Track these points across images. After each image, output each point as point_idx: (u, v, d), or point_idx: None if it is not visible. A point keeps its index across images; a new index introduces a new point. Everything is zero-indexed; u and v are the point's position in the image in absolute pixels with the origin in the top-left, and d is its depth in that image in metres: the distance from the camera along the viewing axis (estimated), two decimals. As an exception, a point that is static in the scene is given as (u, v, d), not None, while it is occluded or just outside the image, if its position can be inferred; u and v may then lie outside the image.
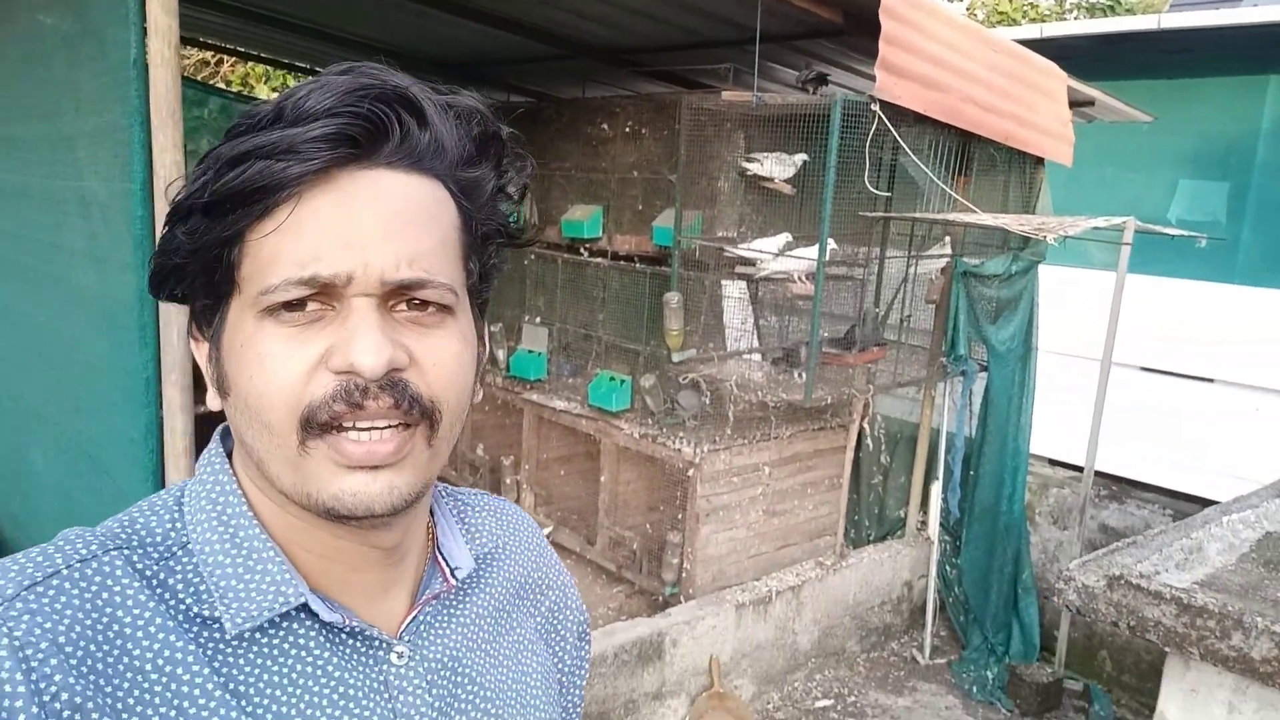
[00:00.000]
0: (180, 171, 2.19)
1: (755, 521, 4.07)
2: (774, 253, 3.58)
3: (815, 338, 3.45)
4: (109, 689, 0.56)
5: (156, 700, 0.57)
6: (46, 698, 0.52)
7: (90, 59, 2.38)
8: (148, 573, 0.61)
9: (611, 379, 4.27)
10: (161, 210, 2.21)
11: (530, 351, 4.78)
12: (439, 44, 4.82)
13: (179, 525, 0.64)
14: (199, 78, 9.95)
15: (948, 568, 4.63)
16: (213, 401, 0.65)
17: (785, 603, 3.99)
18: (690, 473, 3.83)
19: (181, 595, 0.61)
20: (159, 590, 0.60)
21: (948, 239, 4.06)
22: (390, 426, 0.59)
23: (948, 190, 3.60)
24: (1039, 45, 4.94)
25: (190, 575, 0.62)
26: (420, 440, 0.61)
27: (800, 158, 3.62)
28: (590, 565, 4.47)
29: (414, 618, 0.69)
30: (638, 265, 4.36)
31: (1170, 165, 5.66)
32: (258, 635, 0.62)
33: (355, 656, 0.65)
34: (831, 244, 3.45)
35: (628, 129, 4.50)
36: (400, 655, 0.67)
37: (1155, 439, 5.14)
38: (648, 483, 4.41)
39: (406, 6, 3.84)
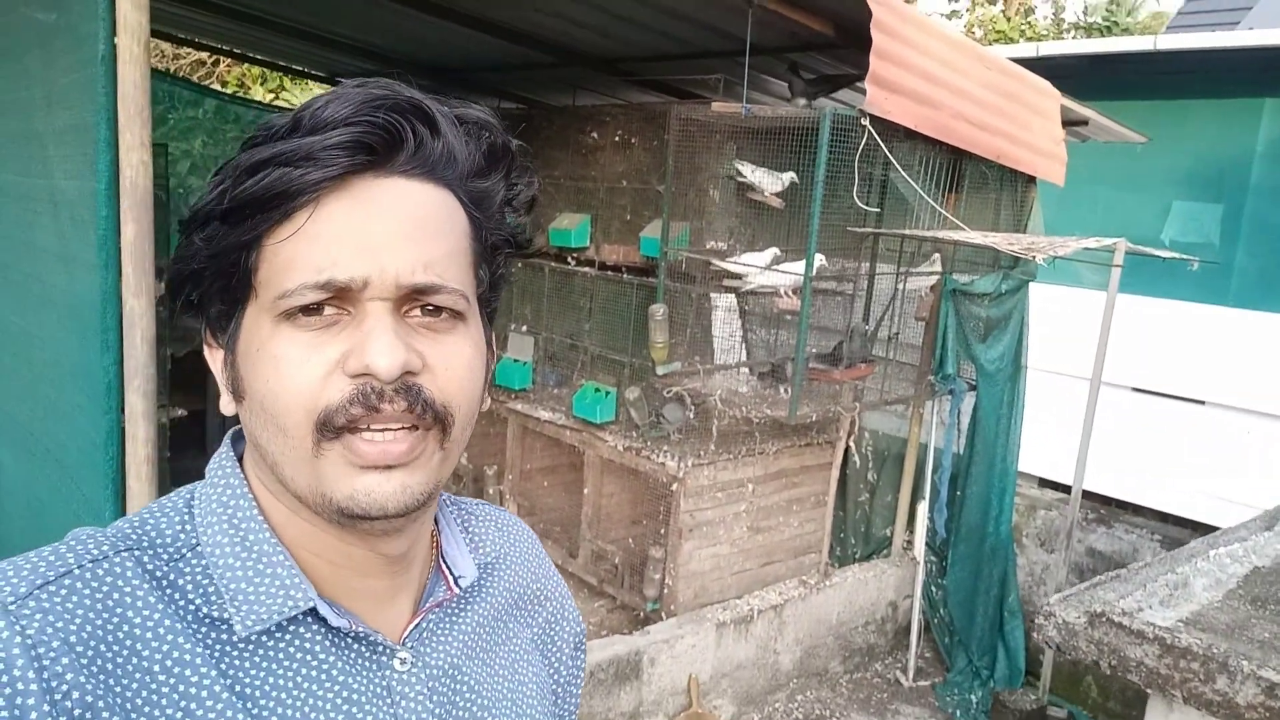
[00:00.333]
0: (148, 172, 2.15)
1: (739, 538, 4.01)
2: (761, 266, 3.53)
3: (801, 354, 3.40)
4: (119, 689, 0.56)
5: (164, 701, 0.58)
6: (58, 696, 0.53)
7: (64, 54, 2.34)
8: (158, 574, 0.61)
9: (596, 390, 4.21)
10: (127, 210, 2.17)
11: (516, 360, 4.73)
12: (427, 47, 4.77)
13: (189, 527, 0.65)
14: (195, 78, 9.93)
15: (933, 588, 4.57)
16: (227, 406, 0.66)
17: (767, 621, 3.93)
18: (674, 487, 3.78)
19: (191, 596, 0.62)
20: (169, 591, 0.61)
21: (937, 256, 4.01)
22: (403, 428, 0.61)
23: (937, 207, 3.56)
24: (1035, 64, 4.91)
25: (199, 577, 0.63)
26: (432, 443, 0.62)
27: (789, 176, 3.58)
28: (572, 579, 4.40)
29: (417, 624, 0.70)
30: (625, 276, 4.31)
31: (1164, 186, 5.64)
32: (264, 638, 0.63)
33: (359, 662, 0.66)
34: (822, 259, 3.40)
35: (617, 138, 4.45)
36: (403, 661, 0.68)
37: (1145, 460, 5.10)
38: (631, 496, 4.35)
39: (394, 9, 3.79)
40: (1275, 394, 4.76)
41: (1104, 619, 1.69)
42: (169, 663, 0.59)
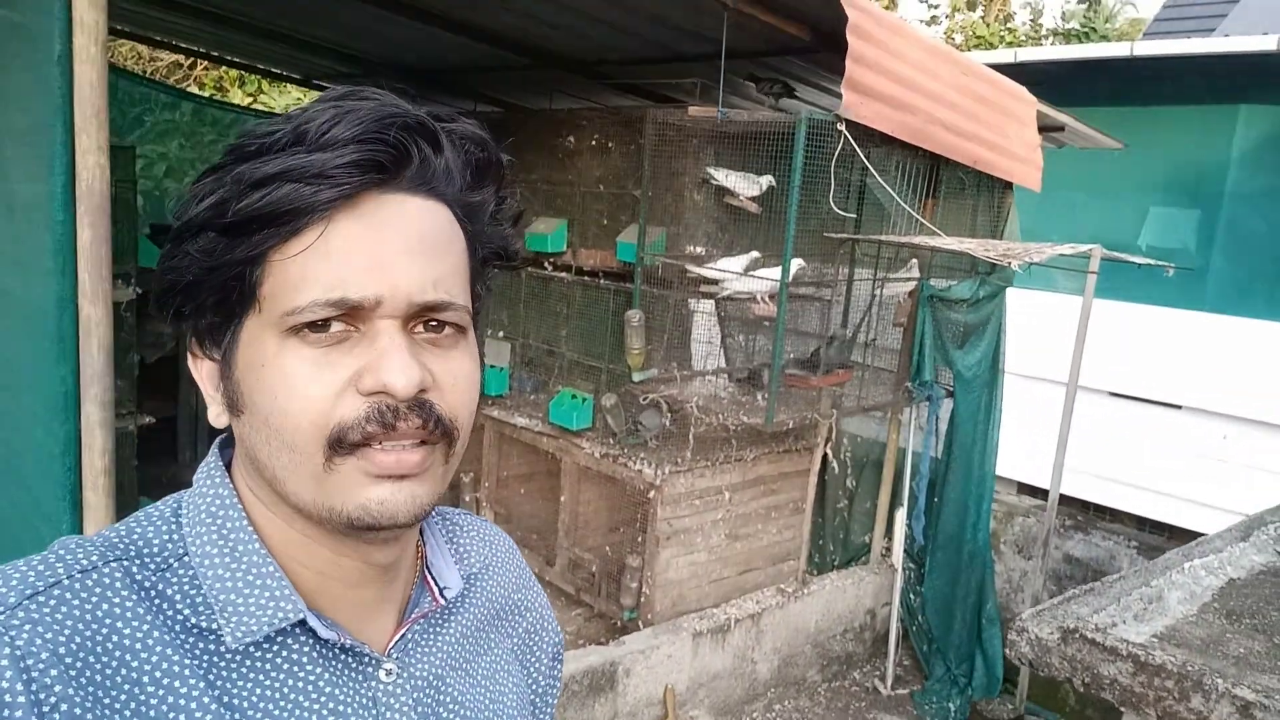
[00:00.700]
0: (105, 175, 2.09)
1: (717, 545, 3.97)
2: (738, 272, 3.50)
3: (777, 361, 3.37)
4: (107, 700, 0.56)
5: (153, 713, 0.57)
6: (46, 708, 0.53)
7: (21, 53, 2.28)
8: (146, 584, 0.61)
9: (573, 397, 4.17)
10: (83, 214, 2.12)
11: (492, 366, 4.68)
12: (404, 50, 4.72)
13: (176, 536, 0.65)
14: (171, 80, 9.80)
15: (911, 596, 4.55)
16: (218, 419, 0.66)
17: (744, 631, 3.90)
18: (651, 494, 3.74)
19: (180, 606, 0.61)
20: (157, 601, 0.61)
21: (915, 262, 4.00)
22: (415, 442, 0.61)
23: (914, 214, 3.54)
24: (1013, 70, 4.92)
25: (187, 587, 0.62)
26: (439, 455, 0.63)
27: (767, 180, 3.55)
28: (549, 587, 4.35)
29: (402, 635, 0.70)
30: (602, 281, 4.27)
31: (1140, 192, 5.67)
32: (253, 649, 0.63)
33: (346, 673, 0.66)
34: (800, 263, 3.37)
35: (594, 142, 4.42)
36: (389, 673, 0.68)
37: (1123, 465, 5.10)
38: (609, 504, 4.31)
39: (368, 11, 3.74)
40: (1251, 398, 4.78)
41: (1077, 635, 1.67)
42: (158, 674, 0.58)
